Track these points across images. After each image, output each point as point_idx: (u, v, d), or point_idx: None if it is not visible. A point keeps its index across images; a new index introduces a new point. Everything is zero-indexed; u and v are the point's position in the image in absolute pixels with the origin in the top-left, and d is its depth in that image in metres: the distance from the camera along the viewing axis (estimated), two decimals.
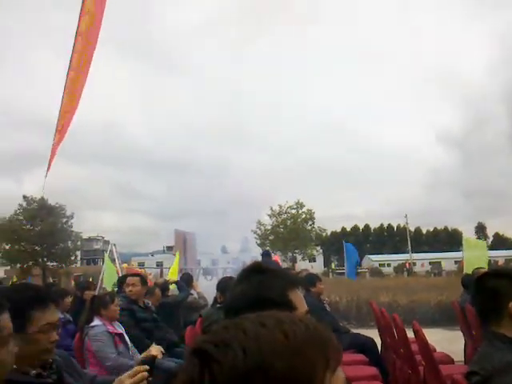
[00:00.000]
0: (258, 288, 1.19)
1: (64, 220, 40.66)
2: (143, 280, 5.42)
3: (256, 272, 1.26)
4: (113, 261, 14.55)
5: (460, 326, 6.17)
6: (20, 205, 39.89)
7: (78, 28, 4.85)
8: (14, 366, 1.75)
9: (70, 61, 5.02)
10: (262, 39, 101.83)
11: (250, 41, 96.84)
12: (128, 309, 4.81)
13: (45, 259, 39.90)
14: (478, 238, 61.77)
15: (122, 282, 5.59)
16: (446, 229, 78.78)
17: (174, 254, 14.62)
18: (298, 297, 1.23)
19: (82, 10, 4.89)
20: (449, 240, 72.38)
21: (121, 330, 4.22)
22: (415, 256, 58.27)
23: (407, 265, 51.29)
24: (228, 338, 0.60)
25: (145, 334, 4.80)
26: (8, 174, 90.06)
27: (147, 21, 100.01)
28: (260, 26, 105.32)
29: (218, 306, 4.46)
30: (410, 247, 56.12)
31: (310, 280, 6.16)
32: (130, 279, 5.35)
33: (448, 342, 6.90)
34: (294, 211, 44.42)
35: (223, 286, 4.53)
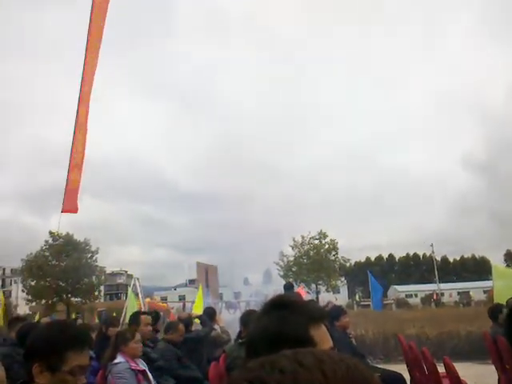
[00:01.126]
0: (277, 324, 1.16)
1: (89, 255, 41.09)
2: None
3: (277, 307, 1.22)
4: (136, 295, 14.57)
5: (492, 360, 5.93)
6: (46, 241, 40.54)
7: (84, 64, 5.00)
8: None
9: (79, 97, 5.16)
10: (282, 76, 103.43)
11: (271, 77, 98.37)
12: (143, 353, 4.62)
13: (69, 295, 40.17)
14: (508, 265, 60.09)
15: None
16: (473, 257, 76.90)
17: (197, 288, 14.56)
18: (322, 332, 1.18)
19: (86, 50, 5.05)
20: (477, 268, 70.55)
21: (144, 366, 4.19)
22: (443, 286, 56.74)
23: (435, 295, 49.98)
24: (264, 377, 0.57)
25: (158, 373, 4.71)
26: (37, 211, 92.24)
27: (172, 59, 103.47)
28: (278, 63, 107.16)
29: (240, 341, 4.39)
30: (437, 277, 54.75)
31: (334, 313, 6.00)
32: (147, 318, 5.24)
33: (481, 376, 6.64)
34: (316, 242, 44.04)
35: (246, 319, 4.47)
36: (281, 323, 1.16)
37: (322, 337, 1.18)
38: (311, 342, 1.13)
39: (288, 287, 9.81)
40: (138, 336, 4.28)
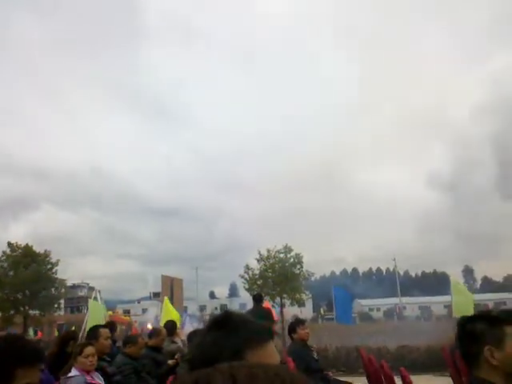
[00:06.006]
0: (213, 346, 1.12)
1: (48, 267, 39.89)
2: None
3: (216, 327, 1.18)
4: None
5: (450, 372, 6.06)
6: (4, 252, 39.18)
7: None
8: None
9: None
10: (254, 87, 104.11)
11: (242, 90, 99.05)
12: (99, 368, 4.46)
13: (26, 307, 38.82)
14: (466, 281, 61.69)
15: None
16: (434, 272, 78.70)
17: (161, 301, 14.34)
18: (265, 354, 1.12)
19: None
20: (437, 283, 72.17)
21: (100, 380, 4.07)
22: (405, 300, 57.76)
23: (397, 309, 50.76)
24: None
25: None
26: None
27: (143, 72, 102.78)
28: (255, 74, 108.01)
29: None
30: (399, 291, 55.67)
31: (290, 327, 5.95)
32: (106, 332, 5.06)
33: None
34: (282, 255, 44.13)
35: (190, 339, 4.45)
36: (216, 345, 1.12)
37: (264, 359, 1.10)
38: None
39: (257, 299, 9.40)
40: (89, 350, 4.10)
